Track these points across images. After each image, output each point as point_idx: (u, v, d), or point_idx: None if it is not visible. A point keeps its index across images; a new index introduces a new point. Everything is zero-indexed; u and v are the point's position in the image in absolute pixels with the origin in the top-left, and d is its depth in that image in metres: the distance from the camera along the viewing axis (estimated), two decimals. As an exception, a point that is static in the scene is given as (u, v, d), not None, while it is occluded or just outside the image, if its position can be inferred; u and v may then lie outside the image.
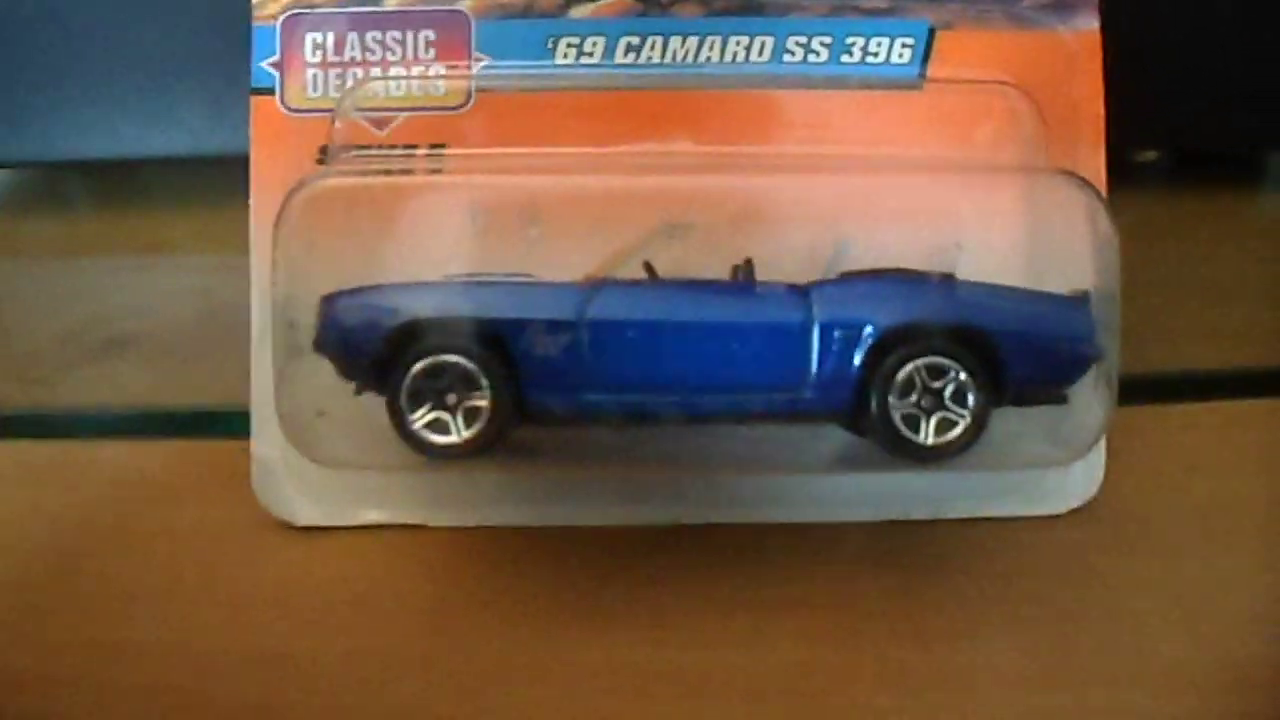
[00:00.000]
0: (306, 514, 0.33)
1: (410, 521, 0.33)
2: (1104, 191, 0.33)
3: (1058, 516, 0.33)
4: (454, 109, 0.33)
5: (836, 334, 0.31)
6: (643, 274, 0.32)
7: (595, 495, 0.33)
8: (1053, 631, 0.30)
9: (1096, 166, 0.34)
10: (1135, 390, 0.37)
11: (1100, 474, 0.33)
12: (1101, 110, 0.34)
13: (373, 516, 0.33)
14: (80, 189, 0.49)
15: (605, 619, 0.30)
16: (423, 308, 0.30)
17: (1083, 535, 0.33)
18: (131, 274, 0.45)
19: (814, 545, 0.32)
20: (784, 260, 0.32)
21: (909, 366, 0.31)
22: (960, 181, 0.33)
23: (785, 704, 0.28)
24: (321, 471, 0.32)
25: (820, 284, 0.31)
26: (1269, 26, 0.46)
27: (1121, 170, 0.49)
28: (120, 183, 0.48)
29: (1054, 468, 0.33)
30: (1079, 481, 0.33)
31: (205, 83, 0.44)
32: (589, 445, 0.33)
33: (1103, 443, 0.33)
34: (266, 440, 0.32)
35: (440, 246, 0.32)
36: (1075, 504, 0.33)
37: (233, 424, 0.34)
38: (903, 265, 0.32)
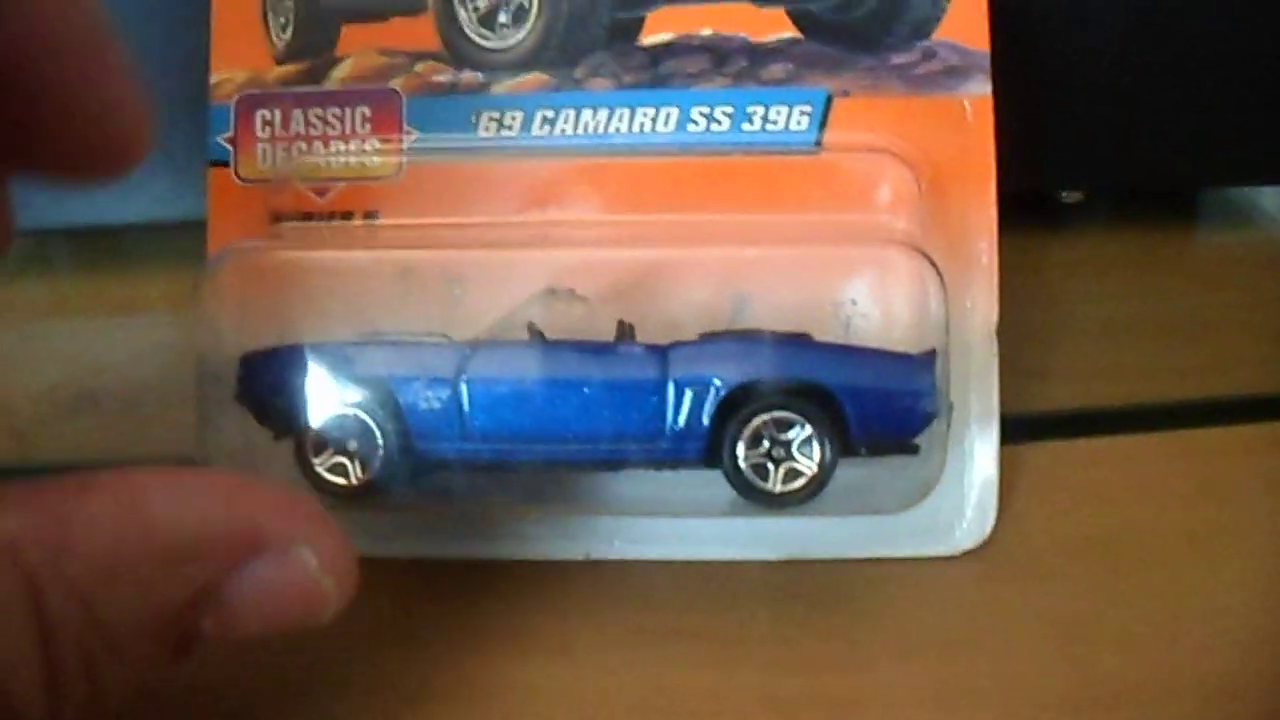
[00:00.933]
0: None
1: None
2: (995, 238, 0.35)
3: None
4: (387, 178, 0.36)
5: (689, 391, 0.33)
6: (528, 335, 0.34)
7: (513, 532, 0.35)
8: (934, 659, 0.32)
9: (989, 219, 0.35)
10: (1029, 428, 0.39)
11: (993, 518, 0.35)
12: (993, 168, 0.36)
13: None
14: (64, 253, 0.52)
15: (516, 645, 0.32)
16: (328, 366, 0.33)
17: (975, 568, 0.35)
18: (107, 333, 0.48)
19: (714, 581, 0.34)
20: (687, 318, 0.34)
21: (757, 420, 0.32)
22: (829, 250, 0.35)
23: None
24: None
25: (677, 345, 0.34)
26: (1194, 68, 0.48)
27: (1052, 211, 0.51)
28: (101, 247, 0.52)
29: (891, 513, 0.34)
30: (974, 525, 0.35)
31: (174, 155, 0.47)
32: (508, 487, 0.35)
33: (996, 487, 0.35)
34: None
35: (352, 309, 0.35)
36: (970, 545, 0.35)
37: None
38: (800, 320, 0.34)
